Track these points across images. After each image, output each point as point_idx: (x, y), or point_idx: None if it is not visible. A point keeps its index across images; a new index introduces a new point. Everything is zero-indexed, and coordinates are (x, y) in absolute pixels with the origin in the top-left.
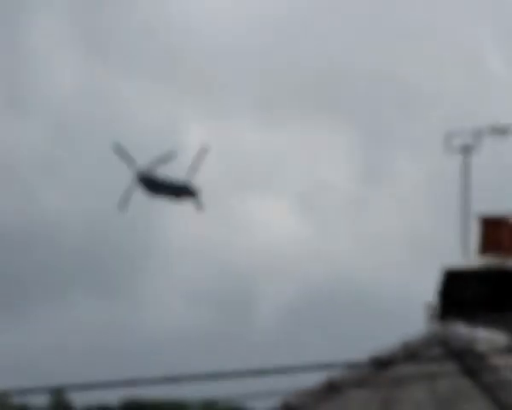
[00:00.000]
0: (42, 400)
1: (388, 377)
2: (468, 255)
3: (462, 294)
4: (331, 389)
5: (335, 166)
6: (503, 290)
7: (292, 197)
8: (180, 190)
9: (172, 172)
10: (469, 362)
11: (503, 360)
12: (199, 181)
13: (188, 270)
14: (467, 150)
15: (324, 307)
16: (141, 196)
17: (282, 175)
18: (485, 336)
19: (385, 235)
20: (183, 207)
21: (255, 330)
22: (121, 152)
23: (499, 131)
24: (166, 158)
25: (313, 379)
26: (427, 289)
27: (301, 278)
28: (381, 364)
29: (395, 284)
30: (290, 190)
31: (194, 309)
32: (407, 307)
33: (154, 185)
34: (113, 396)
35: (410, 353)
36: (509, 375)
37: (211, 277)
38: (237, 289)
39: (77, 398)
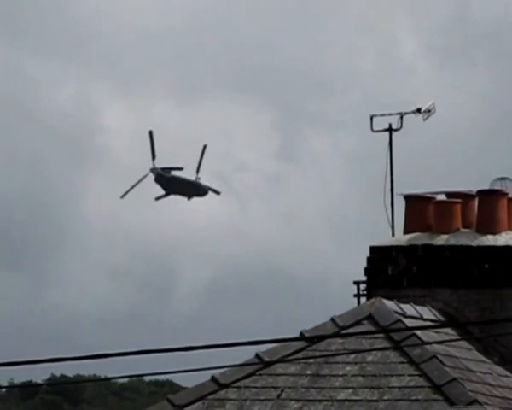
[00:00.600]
0: None
1: (317, 353)
2: (394, 233)
3: (389, 270)
4: (260, 365)
5: (254, 146)
6: (430, 267)
7: (211, 177)
8: (193, 190)
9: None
10: (397, 337)
11: (429, 335)
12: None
13: (108, 250)
14: (391, 130)
15: (245, 286)
16: (59, 176)
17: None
18: (412, 312)
19: (306, 214)
20: (102, 188)
21: (175, 310)
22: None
23: (422, 111)
24: None
25: (242, 356)
26: (352, 267)
27: (221, 258)
28: (309, 340)
29: (318, 263)
30: (210, 169)
31: (113, 289)
32: (330, 286)
33: (170, 185)
34: (39, 374)
35: (339, 328)
36: (436, 349)
37: (130, 257)
38: (157, 269)
39: None
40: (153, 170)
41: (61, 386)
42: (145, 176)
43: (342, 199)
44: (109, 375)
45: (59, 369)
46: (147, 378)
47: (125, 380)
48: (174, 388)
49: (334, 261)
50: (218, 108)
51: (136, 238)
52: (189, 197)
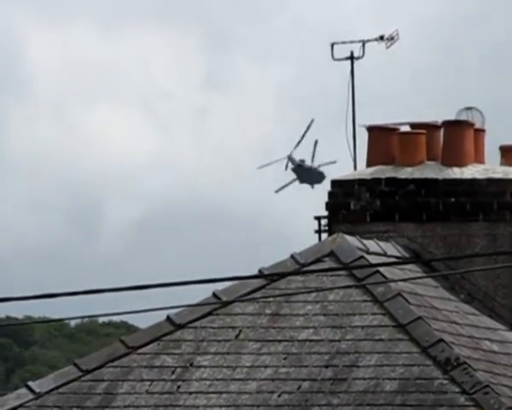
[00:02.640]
0: None
1: (277, 292)
2: (356, 166)
3: (351, 205)
4: (217, 304)
5: (180, 75)
6: (394, 201)
7: (137, 108)
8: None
9: None
10: (360, 274)
11: (394, 272)
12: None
13: (32, 185)
14: (353, 59)
15: (179, 221)
16: None
17: (126, 85)
18: (376, 248)
19: (239, 146)
20: (25, 120)
21: (102, 248)
22: None
23: (385, 39)
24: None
25: (198, 295)
26: (312, 202)
27: (152, 191)
28: (268, 278)
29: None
30: (134, 99)
31: (39, 223)
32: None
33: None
34: None
35: (299, 266)
36: (400, 287)
37: (56, 190)
38: (84, 202)
39: None
40: (290, 158)
41: (9, 328)
42: (282, 159)
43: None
44: (60, 316)
45: (3, 311)
46: (101, 320)
47: (78, 322)
48: (131, 330)
49: (290, 197)
50: (141, 36)
51: (63, 171)
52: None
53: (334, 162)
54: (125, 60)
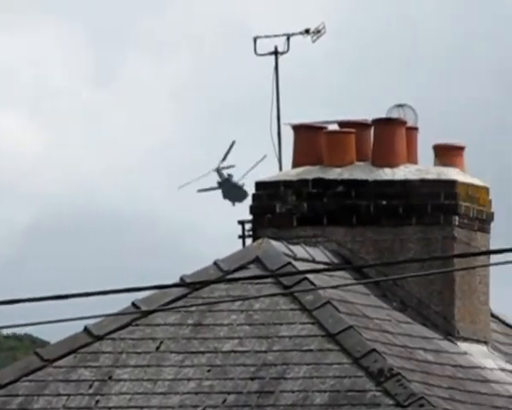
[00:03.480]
0: None
1: (199, 301)
2: (282, 167)
3: (277, 208)
4: (137, 313)
5: (65, 70)
6: (322, 203)
7: (22, 106)
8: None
9: None
10: (287, 282)
11: (322, 279)
12: None
13: None
14: (277, 54)
15: (73, 230)
16: None
17: (10, 83)
18: (303, 254)
19: (134, 144)
20: None
21: None
22: None
23: (311, 32)
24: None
25: (117, 305)
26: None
27: (40, 197)
28: (191, 286)
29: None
30: (19, 98)
31: None
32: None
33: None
34: None
35: (223, 273)
36: (330, 295)
37: None
38: None
39: None
40: (218, 171)
41: None
42: (203, 176)
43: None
44: None
45: None
46: (4, 332)
47: None
48: (36, 342)
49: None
50: (28, 32)
51: None
52: (234, 203)
53: (264, 157)
54: (11, 58)
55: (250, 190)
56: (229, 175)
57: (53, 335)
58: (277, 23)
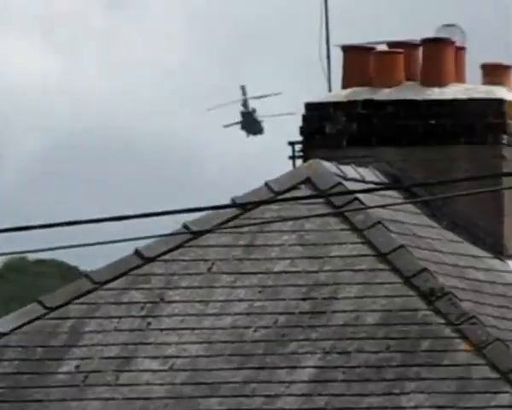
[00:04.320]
0: None
1: (251, 221)
2: (331, 88)
3: (327, 129)
4: (189, 235)
5: None
6: (371, 124)
7: (33, 30)
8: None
9: None
10: (338, 202)
11: (373, 199)
12: None
13: None
14: None
15: (89, 154)
16: None
17: (26, 10)
18: (353, 174)
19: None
20: None
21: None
22: None
23: None
24: None
25: (168, 226)
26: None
27: (58, 120)
28: (243, 207)
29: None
30: (30, 21)
31: None
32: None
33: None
34: None
35: (274, 194)
36: (380, 214)
37: None
38: None
39: None
40: (245, 104)
41: None
42: (233, 102)
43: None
44: None
45: None
46: (31, 257)
47: (5, 260)
48: (62, 267)
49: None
50: None
51: None
52: (249, 135)
53: (278, 94)
54: None
55: (265, 124)
56: (253, 109)
57: (80, 260)
58: None
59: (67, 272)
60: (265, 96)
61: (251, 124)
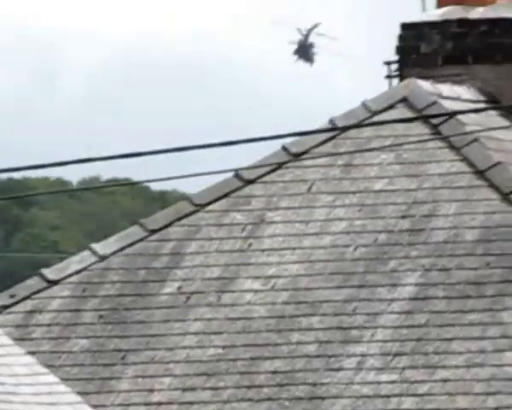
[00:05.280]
0: None
1: (348, 142)
2: (425, 7)
3: (422, 48)
4: (287, 157)
5: None
6: (466, 42)
7: None
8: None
9: None
10: (436, 121)
11: (469, 117)
12: None
13: None
14: None
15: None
16: None
17: None
18: (449, 92)
19: None
20: None
21: (64, 95)
22: None
23: None
24: None
25: (266, 150)
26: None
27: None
28: (340, 127)
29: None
30: None
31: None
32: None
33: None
34: None
35: (372, 114)
36: (476, 133)
37: (17, 39)
38: (40, 55)
39: None
40: (307, 35)
41: (8, 189)
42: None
43: None
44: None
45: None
46: (105, 177)
47: (80, 179)
48: (134, 188)
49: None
50: None
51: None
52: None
53: (334, 39)
54: None
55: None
56: (311, 44)
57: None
58: None
59: (139, 192)
60: (325, 35)
61: (304, 51)
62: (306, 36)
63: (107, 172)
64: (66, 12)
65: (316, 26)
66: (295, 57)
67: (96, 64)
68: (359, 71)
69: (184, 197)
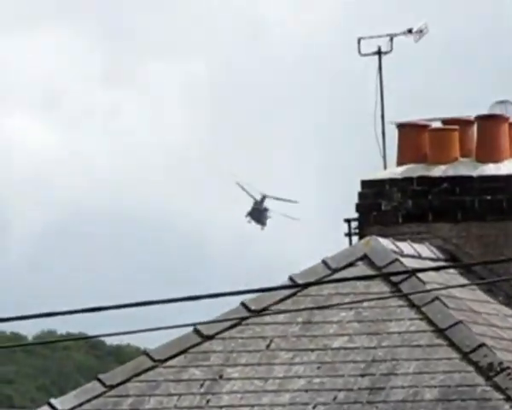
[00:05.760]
0: None
1: (308, 299)
2: (386, 165)
3: (383, 206)
4: (246, 313)
5: (77, 70)
6: (427, 200)
7: (33, 108)
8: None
9: None
10: (396, 279)
11: (429, 276)
12: None
13: None
14: (380, 54)
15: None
16: None
17: (18, 84)
18: (410, 250)
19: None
20: None
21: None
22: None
23: (413, 32)
24: None
25: (225, 306)
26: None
27: (66, 196)
28: (300, 284)
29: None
30: (30, 100)
31: None
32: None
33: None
34: None
35: (332, 271)
36: (437, 291)
37: None
38: None
39: None
40: (261, 200)
41: None
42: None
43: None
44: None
45: None
46: (59, 332)
47: (35, 335)
48: (89, 343)
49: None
50: (34, 36)
51: None
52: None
53: (295, 202)
54: (13, 58)
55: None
56: (266, 209)
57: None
58: (381, 24)
59: (93, 347)
60: (282, 199)
61: (258, 214)
62: (262, 200)
63: (62, 327)
64: None
65: (265, 197)
66: (247, 218)
67: (44, 224)
68: (317, 228)
69: (141, 352)
